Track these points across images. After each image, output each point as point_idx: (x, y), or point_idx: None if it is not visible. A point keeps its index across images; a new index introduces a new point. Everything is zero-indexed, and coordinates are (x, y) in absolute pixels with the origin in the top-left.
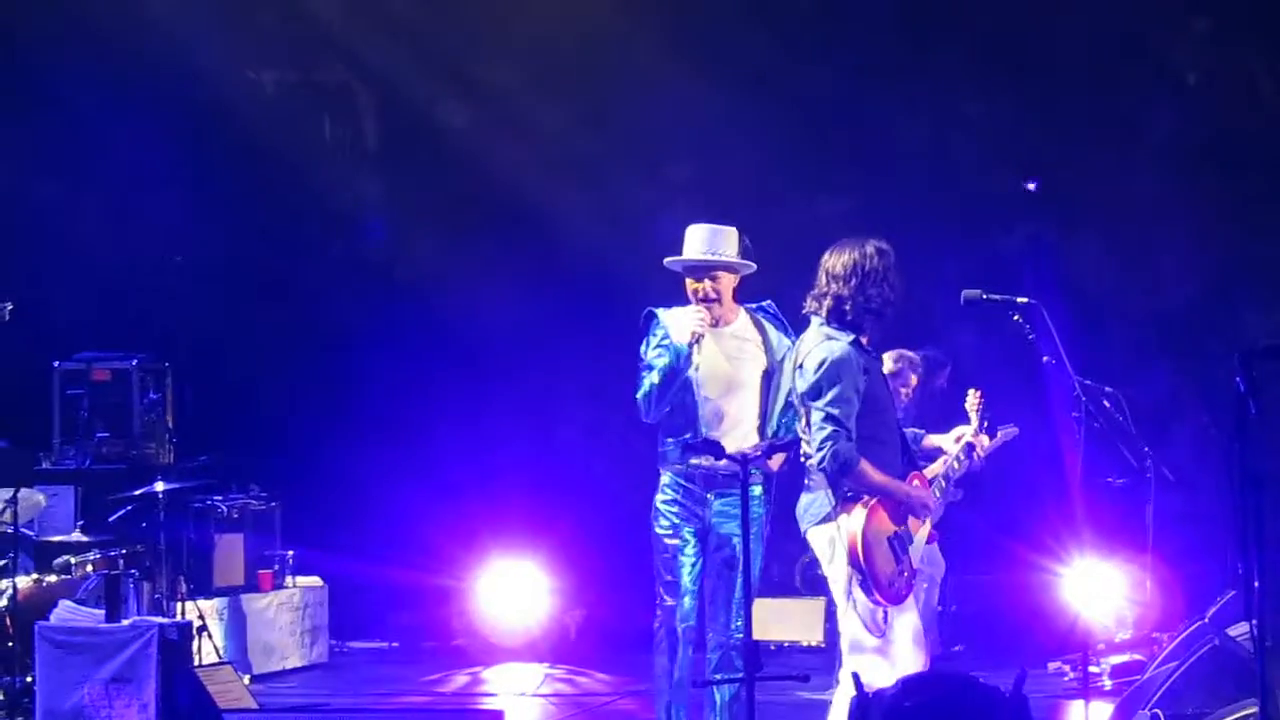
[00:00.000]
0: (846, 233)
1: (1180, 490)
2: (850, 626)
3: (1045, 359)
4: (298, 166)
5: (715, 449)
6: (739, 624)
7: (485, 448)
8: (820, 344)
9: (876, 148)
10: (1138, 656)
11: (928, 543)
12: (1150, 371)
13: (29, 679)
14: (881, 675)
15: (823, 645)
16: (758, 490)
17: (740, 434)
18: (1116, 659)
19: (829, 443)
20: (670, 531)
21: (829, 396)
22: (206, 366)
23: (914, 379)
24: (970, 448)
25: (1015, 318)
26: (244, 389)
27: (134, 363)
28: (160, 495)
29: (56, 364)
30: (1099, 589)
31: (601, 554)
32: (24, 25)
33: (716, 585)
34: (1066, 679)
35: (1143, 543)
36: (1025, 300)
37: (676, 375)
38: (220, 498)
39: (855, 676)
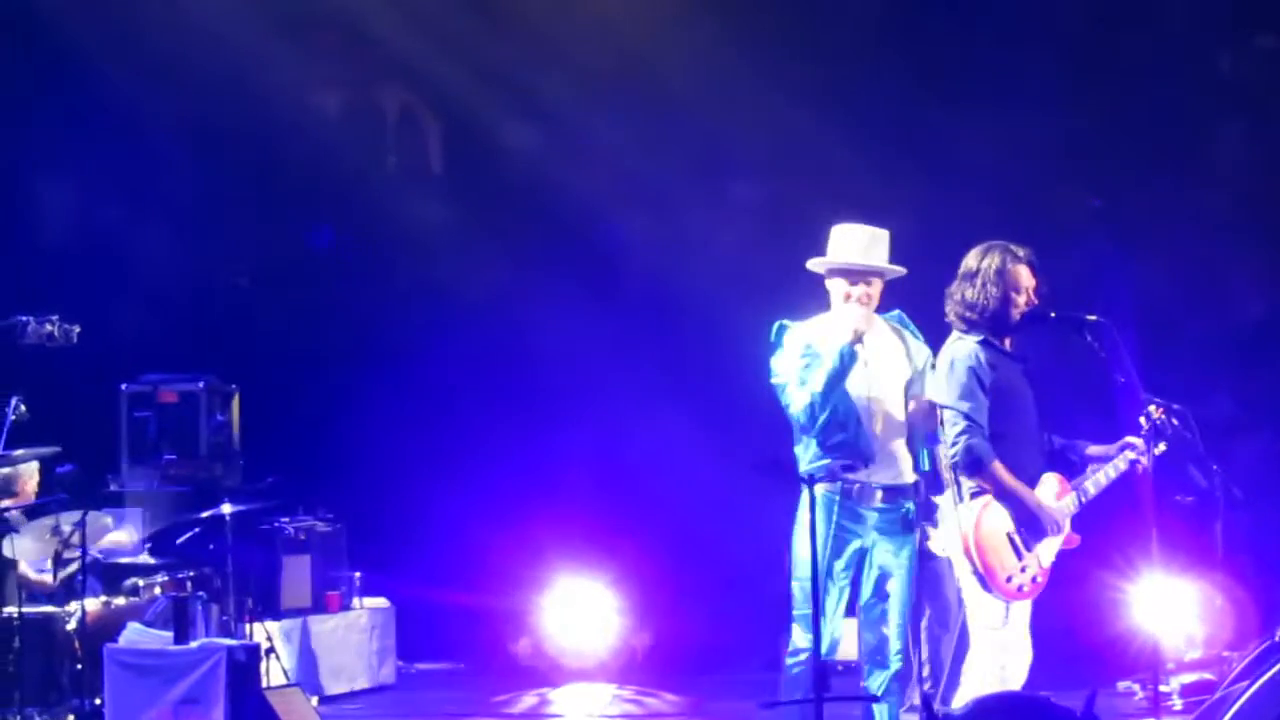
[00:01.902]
0: (910, 251)
1: (1250, 508)
2: (973, 621)
3: (1120, 379)
4: (361, 189)
5: (851, 466)
6: (899, 648)
7: (551, 468)
8: (949, 345)
9: (940, 166)
10: (1208, 676)
11: (1070, 547)
12: (1218, 389)
13: (98, 701)
14: (998, 666)
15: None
16: (909, 505)
17: (890, 444)
18: (1186, 678)
19: (962, 437)
20: (822, 554)
21: (955, 394)
22: (273, 388)
23: None
24: (1135, 462)
25: (1087, 337)
26: (310, 411)
27: (201, 385)
28: (227, 517)
29: (124, 386)
30: (1169, 608)
31: (669, 573)
32: (88, 49)
33: (873, 606)
34: (1136, 699)
35: (1212, 561)
36: (1094, 318)
37: (844, 376)
38: (287, 519)
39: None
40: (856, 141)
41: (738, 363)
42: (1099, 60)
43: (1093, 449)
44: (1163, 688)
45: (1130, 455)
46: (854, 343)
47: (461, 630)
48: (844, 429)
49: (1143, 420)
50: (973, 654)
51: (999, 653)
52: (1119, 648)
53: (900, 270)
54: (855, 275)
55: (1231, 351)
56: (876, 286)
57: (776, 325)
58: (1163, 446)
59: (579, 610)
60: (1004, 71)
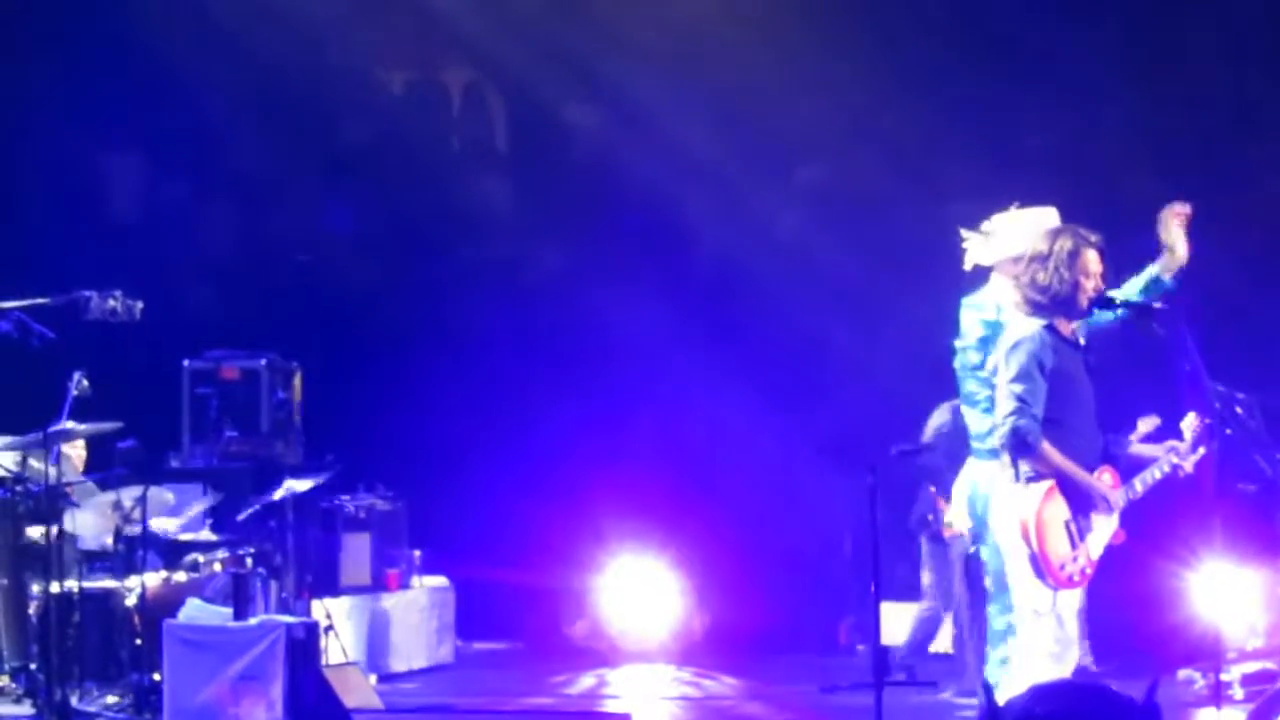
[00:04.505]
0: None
1: None
2: (1020, 605)
3: (1185, 366)
4: (426, 166)
5: None
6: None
7: (613, 448)
8: (1015, 326)
9: (1006, 149)
10: (1269, 665)
11: (1115, 543)
12: None
13: (156, 677)
14: (1050, 654)
15: (950, 651)
16: None
17: None
18: (1248, 667)
19: (1010, 418)
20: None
21: (1011, 374)
22: (334, 366)
23: None
24: (1177, 466)
25: (1153, 324)
26: (371, 389)
27: (263, 362)
28: (288, 495)
29: (186, 363)
30: (1230, 596)
31: (729, 555)
32: (155, 25)
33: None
34: (1197, 687)
35: (1275, 549)
36: (1159, 305)
37: None
38: (347, 497)
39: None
40: (922, 124)
41: (800, 344)
42: (1167, 43)
43: (1135, 448)
44: (1223, 676)
45: (1174, 459)
46: None
47: (520, 610)
48: None
49: (1184, 428)
50: (1025, 641)
51: (1051, 641)
52: (1180, 636)
53: None
54: None
55: None
56: None
57: (998, 307)
58: (1201, 452)
59: (638, 591)
60: (1071, 54)
